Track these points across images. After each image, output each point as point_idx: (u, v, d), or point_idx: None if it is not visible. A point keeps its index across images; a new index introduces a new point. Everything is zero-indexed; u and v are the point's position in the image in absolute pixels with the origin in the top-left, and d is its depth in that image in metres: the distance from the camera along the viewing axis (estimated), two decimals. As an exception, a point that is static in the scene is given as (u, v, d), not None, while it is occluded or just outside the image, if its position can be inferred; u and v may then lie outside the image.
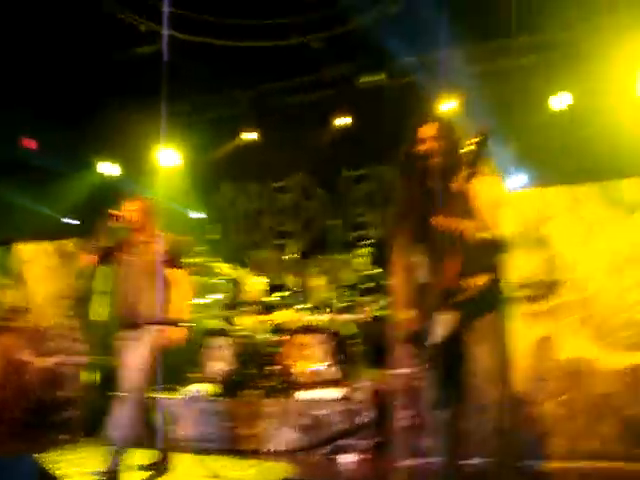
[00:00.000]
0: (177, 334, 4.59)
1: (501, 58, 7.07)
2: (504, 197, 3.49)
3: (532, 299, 5.08)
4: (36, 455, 3.87)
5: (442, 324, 3.24)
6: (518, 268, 5.08)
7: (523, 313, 5.01)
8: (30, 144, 8.23)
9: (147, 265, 4.62)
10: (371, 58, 7.33)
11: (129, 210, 4.73)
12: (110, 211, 4.61)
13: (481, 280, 3.26)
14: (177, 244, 4.81)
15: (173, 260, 4.70)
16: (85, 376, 6.53)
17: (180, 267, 4.74)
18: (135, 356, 4.49)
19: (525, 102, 6.98)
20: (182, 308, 4.67)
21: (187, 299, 4.79)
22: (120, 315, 4.68)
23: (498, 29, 6.75)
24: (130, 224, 4.67)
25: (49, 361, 6.64)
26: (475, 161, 3.16)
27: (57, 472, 3.02)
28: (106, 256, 4.72)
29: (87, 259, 4.70)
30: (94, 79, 8.01)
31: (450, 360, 3.26)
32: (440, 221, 3.22)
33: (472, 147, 3.15)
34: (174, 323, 4.58)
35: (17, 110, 7.25)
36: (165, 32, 6.59)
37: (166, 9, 6.80)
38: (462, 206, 3.21)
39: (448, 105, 7.04)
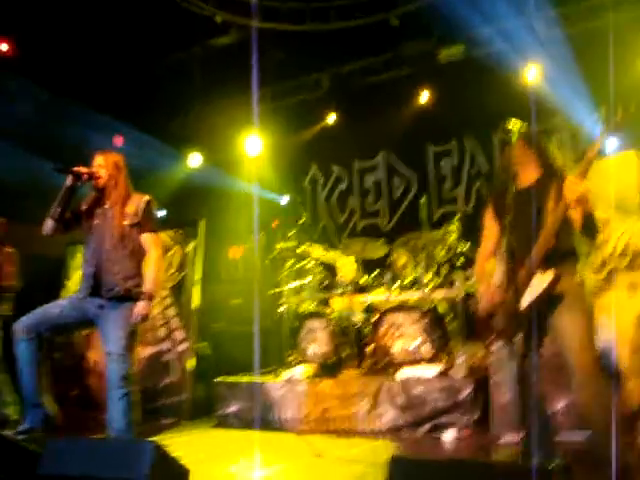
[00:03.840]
0: (146, 310, 4.11)
1: (586, 19, 6.75)
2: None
3: (632, 268, 4.93)
4: (153, 439, 4.09)
5: (534, 287, 3.40)
6: (617, 236, 4.95)
7: (624, 283, 4.87)
8: (118, 141, 8.45)
9: (120, 229, 4.14)
10: (449, 31, 7.20)
11: (99, 166, 4.22)
12: (75, 169, 4.10)
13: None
14: (149, 205, 4.28)
15: (145, 223, 4.22)
16: (186, 363, 6.79)
17: (152, 231, 4.26)
18: (116, 339, 4.03)
19: (616, 62, 6.65)
20: (154, 279, 4.19)
21: (159, 269, 4.25)
22: (90, 288, 4.13)
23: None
24: (100, 182, 4.20)
25: (151, 350, 6.92)
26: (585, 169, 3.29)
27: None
28: (74, 220, 4.25)
29: (48, 225, 4.13)
30: (175, 73, 8.23)
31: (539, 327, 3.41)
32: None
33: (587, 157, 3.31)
34: (150, 297, 4.13)
35: (106, 110, 7.47)
36: (255, 24, 6.68)
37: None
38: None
39: (531, 74, 6.83)
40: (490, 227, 3.84)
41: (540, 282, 3.39)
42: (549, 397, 3.66)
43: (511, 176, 3.68)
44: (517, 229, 3.54)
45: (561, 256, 3.44)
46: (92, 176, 4.18)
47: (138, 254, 4.23)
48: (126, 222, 4.19)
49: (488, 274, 3.74)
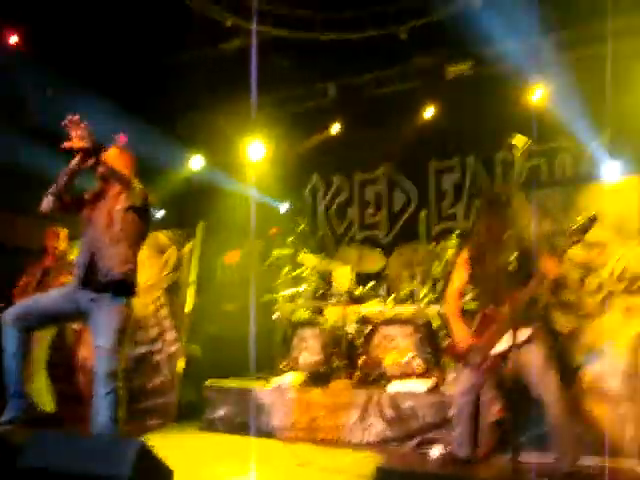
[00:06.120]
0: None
1: (593, 44, 6.73)
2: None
3: (629, 292, 4.92)
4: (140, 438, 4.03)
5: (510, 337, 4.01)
6: (615, 259, 4.95)
7: (620, 307, 4.86)
8: (122, 139, 8.40)
9: (112, 214, 4.14)
10: (457, 48, 7.19)
11: (107, 155, 4.14)
12: (81, 144, 3.83)
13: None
14: (146, 195, 4.22)
15: (142, 213, 4.22)
16: (176, 364, 6.75)
17: (147, 222, 4.30)
18: (106, 334, 3.99)
19: (619, 88, 6.65)
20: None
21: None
22: (84, 277, 4.08)
23: (591, 13, 6.46)
24: (105, 170, 4.09)
25: (141, 349, 6.88)
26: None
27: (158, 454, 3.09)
28: (73, 204, 4.19)
29: (45, 202, 4.06)
30: (184, 74, 8.20)
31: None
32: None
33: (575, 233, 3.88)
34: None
35: (113, 104, 7.40)
36: (254, 27, 6.68)
37: (255, 4, 6.91)
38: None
39: (536, 95, 6.81)
40: (462, 271, 4.43)
41: (517, 335, 4.00)
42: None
43: (483, 231, 4.34)
44: (482, 280, 4.32)
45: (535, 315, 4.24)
46: (98, 160, 3.94)
47: (132, 239, 4.21)
48: (118, 207, 4.16)
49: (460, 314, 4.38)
